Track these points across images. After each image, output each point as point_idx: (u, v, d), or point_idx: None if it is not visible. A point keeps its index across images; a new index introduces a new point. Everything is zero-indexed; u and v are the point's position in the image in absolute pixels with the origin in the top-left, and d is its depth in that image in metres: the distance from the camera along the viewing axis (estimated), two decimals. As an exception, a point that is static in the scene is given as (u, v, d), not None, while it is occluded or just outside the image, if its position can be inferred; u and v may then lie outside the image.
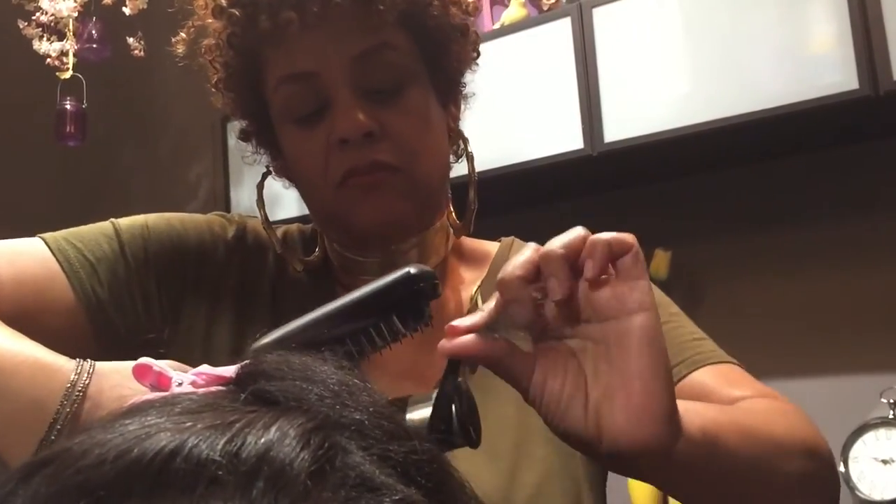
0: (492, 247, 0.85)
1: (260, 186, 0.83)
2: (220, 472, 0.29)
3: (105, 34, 2.26)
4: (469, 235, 0.82)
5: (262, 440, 0.30)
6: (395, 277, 0.51)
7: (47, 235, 0.73)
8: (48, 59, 2.14)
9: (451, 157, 0.81)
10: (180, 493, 0.28)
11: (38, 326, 0.65)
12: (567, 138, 1.84)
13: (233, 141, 2.39)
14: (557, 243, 0.51)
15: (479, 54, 0.82)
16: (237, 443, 0.30)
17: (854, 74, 1.59)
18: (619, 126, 1.79)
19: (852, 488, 1.74)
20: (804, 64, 1.64)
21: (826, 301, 1.90)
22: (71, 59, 2.14)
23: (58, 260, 0.71)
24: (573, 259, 0.51)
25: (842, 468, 1.76)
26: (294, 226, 0.86)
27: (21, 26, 2.14)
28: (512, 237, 0.86)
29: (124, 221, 0.76)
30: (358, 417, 0.33)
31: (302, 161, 0.75)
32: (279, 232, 0.83)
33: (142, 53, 2.26)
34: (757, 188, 1.98)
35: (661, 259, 1.95)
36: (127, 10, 2.21)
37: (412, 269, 0.51)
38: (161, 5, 2.42)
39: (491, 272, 0.80)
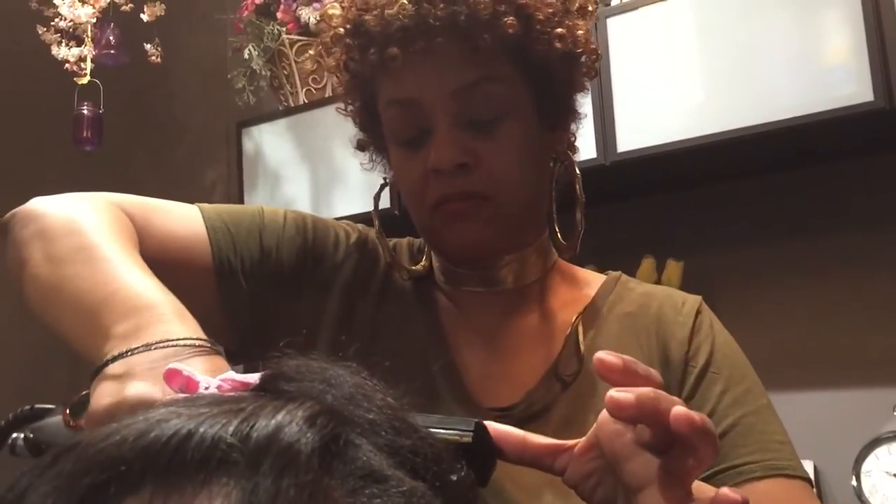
0: (597, 277, 0.88)
1: (376, 198, 0.87)
2: (232, 453, 0.31)
3: (122, 40, 2.28)
4: (575, 255, 0.85)
5: (272, 422, 0.32)
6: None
7: (204, 205, 0.83)
8: (66, 65, 2.16)
9: (555, 177, 0.84)
10: (193, 470, 0.31)
11: (170, 280, 0.69)
12: (580, 148, 1.84)
13: (248, 146, 2.41)
14: (685, 411, 0.45)
15: (596, 73, 0.83)
16: (248, 425, 0.32)
17: (869, 86, 1.58)
18: (632, 136, 1.79)
19: (864, 503, 1.73)
20: (819, 75, 1.64)
21: (839, 313, 1.89)
22: (89, 65, 2.17)
23: (206, 226, 0.80)
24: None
25: (854, 482, 1.74)
26: (405, 239, 0.92)
27: (40, 32, 2.16)
28: (619, 272, 0.88)
29: (268, 210, 0.86)
30: (371, 417, 0.35)
31: (403, 181, 0.81)
32: (390, 243, 0.89)
33: (159, 59, 2.28)
34: (770, 199, 1.98)
35: (673, 269, 1.95)
36: (145, 17, 2.23)
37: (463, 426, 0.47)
38: (178, 12, 2.45)
39: (595, 302, 0.83)
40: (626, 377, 0.47)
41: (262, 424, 0.32)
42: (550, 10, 0.76)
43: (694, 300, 0.84)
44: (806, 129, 1.65)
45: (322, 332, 0.82)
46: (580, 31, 0.79)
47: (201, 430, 0.31)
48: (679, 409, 0.44)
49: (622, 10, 1.83)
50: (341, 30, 0.79)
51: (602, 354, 0.48)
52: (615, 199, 2.09)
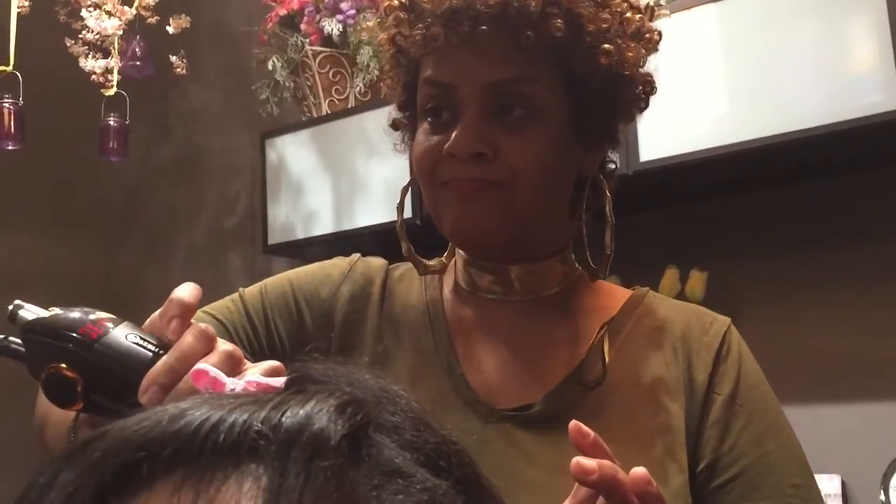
0: (623, 292, 0.87)
1: (403, 191, 0.88)
2: (261, 440, 0.32)
3: (148, 52, 2.30)
4: (605, 278, 0.85)
5: (302, 410, 0.33)
6: None
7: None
8: (93, 76, 2.18)
9: (581, 201, 0.84)
10: (224, 455, 0.31)
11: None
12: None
13: (271, 157, 2.42)
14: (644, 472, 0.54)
15: (647, 106, 0.83)
16: (279, 412, 0.33)
17: (895, 94, 1.56)
18: (655, 145, 1.78)
19: (893, 517, 1.70)
20: (844, 83, 1.62)
21: (866, 324, 1.86)
22: (115, 77, 2.19)
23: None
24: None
25: (882, 496, 1.72)
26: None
27: (68, 44, 2.19)
28: (647, 288, 0.87)
29: (248, 288, 0.89)
30: (395, 420, 0.36)
31: (418, 157, 0.81)
32: (401, 269, 0.90)
33: (184, 71, 2.31)
34: (795, 209, 1.96)
35: (697, 280, 1.93)
36: (170, 29, 2.25)
37: None
38: (204, 24, 2.47)
39: (621, 314, 0.83)
40: (595, 450, 0.54)
41: (293, 412, 0.33)
42: (604, 26, 0.76)
43: (722, 322, 0.83)
44: (831, 138, 1.64)
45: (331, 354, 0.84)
46: (630, 53, 0.78)
47: (232, 417, 0.32)
48: (639, 470, 0.52)
49: (645, 19, 1.82)
50: (396, 2, 0.80)
51: (578, 423, 0.55)
52: (638, 209, 2.08)
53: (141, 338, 0.57)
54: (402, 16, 0.79)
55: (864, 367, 1.85)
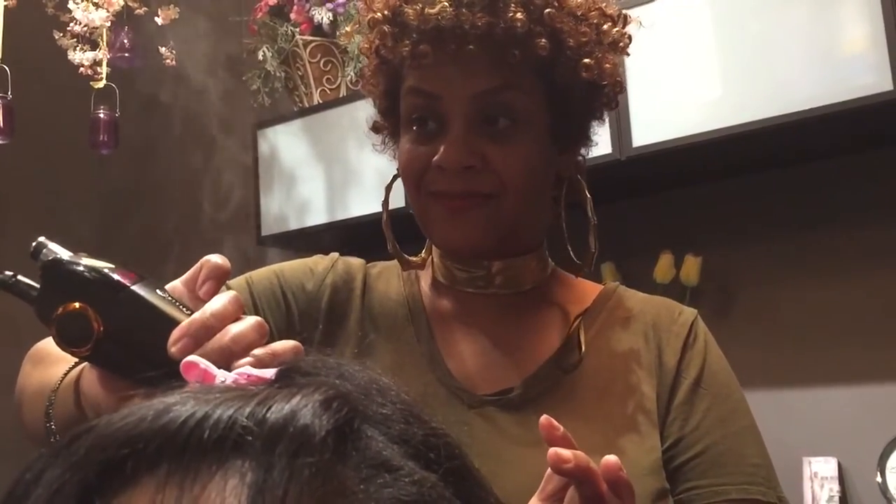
0: (595, 286, 0.90)
1: (388, 188, 0.89)
2: (247, 435, 0.31)
3: (137, 43, 2.29)
4: (590, 276, 0.88)
5: (287, 405, 0.33)
6: None
7: None
8: (81, 69, 2.17)
9: (559, 200, 0.87)
10: (209, 451, 0.31)
11: None
12: (596, 143, 1.83)
13: (263, 148, 2.41)
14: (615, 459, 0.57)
15: (616, 105, 0.87)
16: (264, 407, 0.33)
17: (888, 75, 1.56)
18: (648, 130, 1.78)
19: (889, 499, 1.71)
20: (836, 65, 1.62)
21: (861, 306, 1.86)
22: (104, 69, 2.18)
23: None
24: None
25: (878, 478, 1.72)
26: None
27: (56, 37, 2.18)
28: (617, 283, 0.91)
29: (233, 280, 0.88)
30: (384, 411, 0.36)
31: (405, 166, 0.82)
32: (378, 267, 0.92)
33: (173, 62, 2.29)
34: (789, 192, 1.96)
35: (692, 264, 1.93)
36: (159, 20, 2.24)
37: None
38: (193, 15, 2.45)
39: (594, 306, 0.87)
40: (564, 443, 0.57)
41: (278, 408, 0.32)
42: (584, 39, 0.79)
43: (690, 312, 0.87)
44: (824, 120, 1.64)
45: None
46: (608, 65, 0.82)
47: (217, 412, 0.32)
48: (611, 457, 0.55)
49: (638, 3, 1.81)
50: (379, 15, 0.81)
51: (549, 417, 0.58)
52: (632, 194, 2.07)
53: (170, 296, 0.56)
54: (386, 29, 0.80)
55: (860, 350, 1.85)
